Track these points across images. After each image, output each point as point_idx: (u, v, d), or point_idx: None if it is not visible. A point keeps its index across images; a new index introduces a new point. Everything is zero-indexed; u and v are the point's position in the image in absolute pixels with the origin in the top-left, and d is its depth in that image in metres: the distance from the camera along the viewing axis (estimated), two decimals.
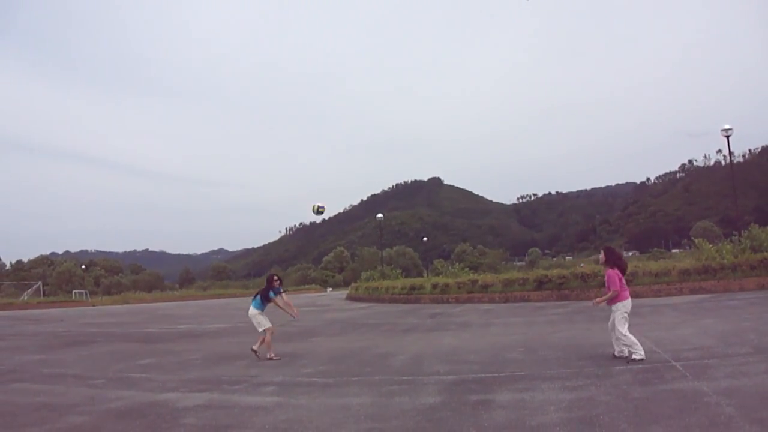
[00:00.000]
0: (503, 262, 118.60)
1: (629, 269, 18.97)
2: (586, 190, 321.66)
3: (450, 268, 41.86)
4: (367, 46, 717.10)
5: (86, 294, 67.81)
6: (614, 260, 7.48)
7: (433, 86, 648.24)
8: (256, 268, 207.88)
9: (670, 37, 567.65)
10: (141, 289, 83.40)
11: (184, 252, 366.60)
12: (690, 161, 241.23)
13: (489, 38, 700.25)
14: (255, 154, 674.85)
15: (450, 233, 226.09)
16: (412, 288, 27.48)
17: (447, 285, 25.17)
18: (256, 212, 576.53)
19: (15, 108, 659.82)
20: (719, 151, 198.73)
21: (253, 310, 9.78)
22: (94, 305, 50.22)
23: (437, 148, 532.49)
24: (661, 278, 19.07)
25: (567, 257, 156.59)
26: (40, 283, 68.69)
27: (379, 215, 53.26)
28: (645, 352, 7.15)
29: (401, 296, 27.59)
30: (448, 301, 23.71)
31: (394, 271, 46.32)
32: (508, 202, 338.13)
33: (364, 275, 44.97)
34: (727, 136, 24.72)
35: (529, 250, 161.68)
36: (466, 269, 38.73)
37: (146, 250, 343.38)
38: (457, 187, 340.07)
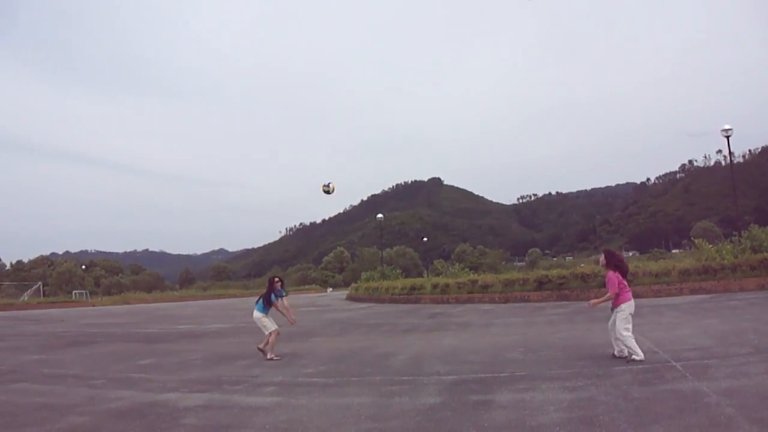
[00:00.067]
0: (503, 263, 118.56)
1: (630, 269, 19.01)
2: (586, 190, 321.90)
3: (450, 268, 41.88)
4: (368, 46, 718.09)
5: (86, 294, 67.79)
6: (615, 263, 7.48)
7: (434, 86, 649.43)
8: (256, 269, 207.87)
9: (670, 37, 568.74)
10: (141, 289, 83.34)
11: (184, 252, 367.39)
12: (690, 161, 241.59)
13: (489, 38, 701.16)
14: (255, 154, 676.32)
15: (450, 233, 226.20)
16: (412, 288, 27.46)
17: (447, 285, 25.16)
18: (257, 212, 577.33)
19: (15, 108, 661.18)
20: (719, 151, 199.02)
21: (257, 314, 9.82)
22: (94, 305, 50.21)
23: (437, 148, 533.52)
24: (661, 278, 19.07)
25: (567, 257, 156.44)
26: (40, 283, 68.59)
27: (380, 215, 53.29)
28: (645, 353, 7.17)
29: (401, 296, 27.58)
30: (448, 302, 23.70)
31: (394, 271, 46.29)
32: (508, 203, 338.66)
33: (364, 275, 44.95)
34: (727, 137, 24.72)
35: (529, 251, 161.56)
36: (466, 269, 38.69)
37: (146, 250, 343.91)
38: (457, 188, 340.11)
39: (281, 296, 10.03)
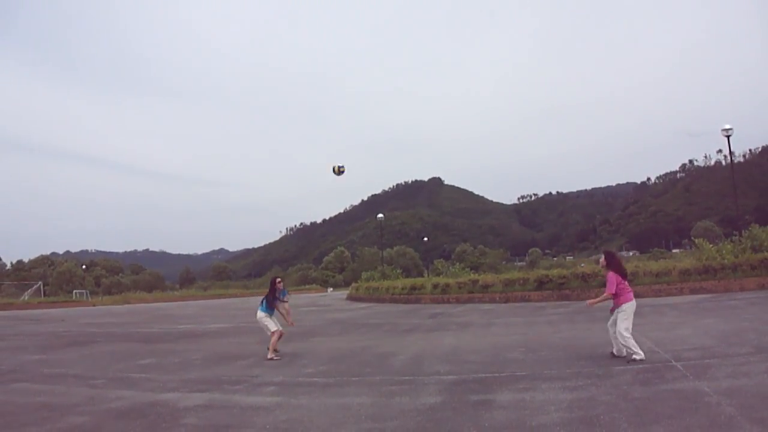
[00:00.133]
0: (504, 262, 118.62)
1: (630, 269, 19.05)
2: (586, 190, 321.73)
3: (450, 268, 41.87)
4: (368, 46, 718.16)
5: (87, 294, 67.81)
6: (614, 265, 7.51)
7: (434, 86, 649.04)
8: (256, 268, 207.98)
9: (670, 37, 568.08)
10: (141, 289, 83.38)
11: (185, 252, 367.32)
12: (690, 161, 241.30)
13: (489, 38, 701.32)
14: (255, 154, 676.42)
15: (450, 233, 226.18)
16: (413, 288, 27.46)
17: (447, 285, 25.16)
18: (257, 212, 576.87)
19: (15, 108, 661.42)
20: (720, 151, 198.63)
21: (260, 314, 9.89)
22: (94, 305, 50.21)
23: (438, 148, 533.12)
24: (661, 278, 19.07)
25: (567, 257, 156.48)
26: (40, 283, 68.65)
27: (380, 215, 53.26)
28: (646, 352, 7.18)
29: (402, 296, 27.58)
30: (448, 301, 23.70)
31: (394, 271, 46.31)
32: (509, 202, 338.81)
33: (364, 275, 44.95)
34: (728, 136, 24.69)
35: (530, 250, 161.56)
36: (467, 269, 38.73)
37: (147, 250, 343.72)
38: (458, 187, 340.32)
39: (285, 297, 10.10)
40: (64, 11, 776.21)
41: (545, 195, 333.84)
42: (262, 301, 10.02)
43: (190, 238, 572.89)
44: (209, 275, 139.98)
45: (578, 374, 6.61)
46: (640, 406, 4.99)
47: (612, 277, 7.33)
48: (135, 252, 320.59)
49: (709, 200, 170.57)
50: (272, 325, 9.77)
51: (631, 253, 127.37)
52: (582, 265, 38.14)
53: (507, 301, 21.37)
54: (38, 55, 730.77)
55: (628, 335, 7.14)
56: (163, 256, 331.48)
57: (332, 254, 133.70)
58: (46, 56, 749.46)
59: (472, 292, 23.37)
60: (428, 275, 51.03)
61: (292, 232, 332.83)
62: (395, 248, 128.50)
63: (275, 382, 7.47)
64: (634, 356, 6.99)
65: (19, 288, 65.84)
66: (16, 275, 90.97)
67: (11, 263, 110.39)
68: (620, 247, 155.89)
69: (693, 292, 17.77)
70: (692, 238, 27.17)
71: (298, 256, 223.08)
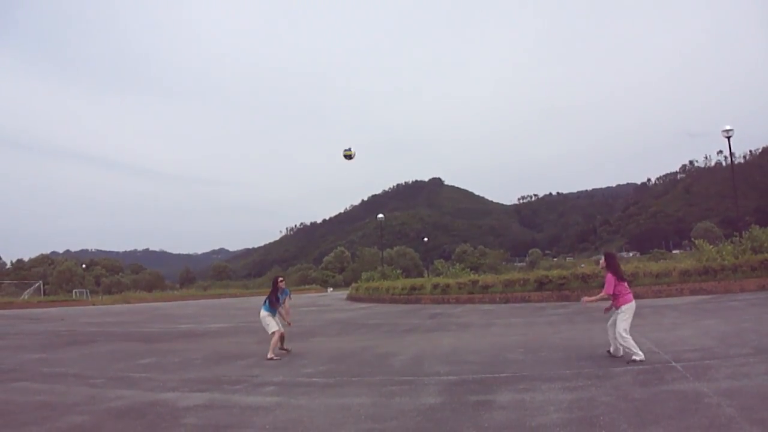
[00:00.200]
0: (504, 263, 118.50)
1: (630, 270, 19.08)
2: (586, 190, 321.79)
3: (450, 268, 41.81)
4: (368, 46, 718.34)
5: (87, 293, 67.81)
6: (612, 267, 7.54)
7: (434, 86, 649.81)
8: (256, 268, 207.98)
9: (670, 38, 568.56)
10: (141, 288, 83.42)
11: (185, 251, 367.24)
12: (691, 162, 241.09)
13: (490, 38, 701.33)
14: (255, 154, 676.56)
15: (451, 234, 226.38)
16: (413, 288, 27.45)
17: (447, 285, 25.15)
18: (257, 212, 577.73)
19: (16, 107, 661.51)
20: (720, 151, 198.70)
21: (263, 313, 9.95)
22: (94, 304, 50.20)
23: (438, 149, 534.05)
24: (661, 279, 19.06)
25: (568, 258, 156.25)
26: (40, 282, 68.65)
27: (380, 215, 53.24)
28: (645, 353, 7.18)
29: (402, 297, 27.57)
30: (448, 302, 23.69)
31: (394, 271, 46.28)
32: (509, 203, 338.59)
33: (364, 275, 44.92)
34: (728, 137, 24.70)
35: (530, 251, 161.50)
36: (467, 270, 38.66)
37: (147, 249, 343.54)
38: (458, 188, 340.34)
39: (286, 296, 10.14)
40: (64, 10, 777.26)
41: (545, 195, 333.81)
42: (265, 301, 10.06)
43: (190, 237, 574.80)
44: (209, 275, 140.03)
45: (578, 375, 6.61)
46: (640, 407, 4.99)
47: (610, 277, 7.37)
48: (135, 251, 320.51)
49: (710, 201, 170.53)
50: (273, 325, 9.79)
51: (631, 254, 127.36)
52: (582, 265, 38.13)
53: (507, 301, 21.37)
54: (39, 54, 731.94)
55: (627, 336, 7.16)
56: (163, 256, 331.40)
57: (332, 254, 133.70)
58: (47, 55, 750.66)
59: (472, 293, 23.37)
60: (428, 276, 51.02)
61: (292, 232, 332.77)
62: (395, 248, 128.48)
63: (275, 382, 7.47)
64: (633, 357, 7.00)
65: (19, 287, 65.90)
66: (16, 274, 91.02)
67: (11, 262, 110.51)
68: (620, 248, 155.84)
69: (693, 293, 17.77)
70: (692, 239, 27.14)
71: (298, 256, 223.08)
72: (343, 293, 53.13)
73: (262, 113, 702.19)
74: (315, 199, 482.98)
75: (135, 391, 7.16)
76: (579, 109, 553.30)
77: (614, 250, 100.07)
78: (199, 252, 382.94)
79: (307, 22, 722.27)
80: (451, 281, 26.14)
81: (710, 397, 5.15)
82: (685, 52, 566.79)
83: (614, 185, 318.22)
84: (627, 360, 7.06)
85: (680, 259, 32.99)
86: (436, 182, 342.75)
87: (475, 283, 24.19)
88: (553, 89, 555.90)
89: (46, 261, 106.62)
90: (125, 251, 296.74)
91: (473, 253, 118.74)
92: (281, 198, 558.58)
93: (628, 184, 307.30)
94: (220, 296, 66.45)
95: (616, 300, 7.42)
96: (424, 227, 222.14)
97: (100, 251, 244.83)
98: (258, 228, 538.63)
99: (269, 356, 9.49)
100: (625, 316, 7.25)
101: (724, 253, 20.37)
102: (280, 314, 10.10)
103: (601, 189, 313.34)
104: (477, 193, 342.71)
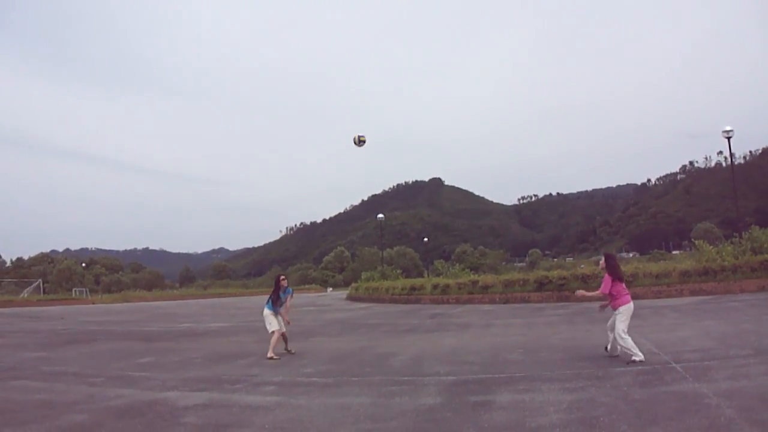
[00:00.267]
0: (504, 263, 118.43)
1: (630, 271, 19.07)
2: (586, 191, 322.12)
3: (450, 268, 41.87)
4: (369, 46, 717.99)
5: (86, 292, 67.85)
6: (610, 268, 7.57)
7: (434, 86, 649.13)
8: (256, 268, 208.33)
9: (671, 38, 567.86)
10: (141, 287, 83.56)
11: (185, 251, 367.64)
12: (691, 162, 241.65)
13: (490, 38, 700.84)
14: (256, 154, 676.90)
15: (451, 234, 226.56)
16: (413, 288, 27.46)
17: (447, 286, 25.16)
18: (257, 212, 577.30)
19: (16, 105, 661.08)
20: (720, 152, 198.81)
21: (266, 311, 9.98)
22: (94, 303, 50.27)
23: (438, 149, 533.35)
24: (661, 280, 19.06)
25: (567, 258, 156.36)
26: (40, 280, 68.72)
27: (380, 215, 53.25)
28: (645, 354, 7.18)
29: (401, 297, 27.58)
30: (448, 302, 23.70)
31: (394, 271, 46.32)
32: (509, 203, 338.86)
33: (364, 275, 44.95)
34: (728, 138, 24.70)
35: (530, 251, 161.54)
36: (467, 270, 38.71)
37: (146, 248, 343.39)
38: (458, 188, 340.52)
39: (288, 294, 10.14)
40: (65, 8, 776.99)
41: (545, 196, 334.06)
42: (268, 300, 10.08)
43: (190, 236, 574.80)
44: (209, 274, 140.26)
45: (578, 375, 6.60)
46: (640, 408, 4.99)
47: (607, 278, 7.44)
48: (135, 250, 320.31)
49: (710, 202, 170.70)
50: (274, 324, 9.79)
51: (631, 255, 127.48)
52: (582, 266, 38.19)
53: (507, 302, 21.37)
54: (41, 53, 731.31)
55: (626, 336, 7.18)
56: (163, 255, 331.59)
57: (332, 254, 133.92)
58: (48, 54, 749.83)
59: (472, 293, 23.38)
60: (428, 276, 51.05)
61: (292, 232, 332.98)
62: (395, 248, 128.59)
63: (275, 381, 7.47)
64: (633, 357, 7.00)
65: (18, 285, 65.97)
66: (15, 272, 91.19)
67: (11, 260, 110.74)
68: (620, 249, 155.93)
69: (693, 293, 17.77)
70: (692, 239, 27.14)
71: (298, 256, 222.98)
72: (343, 293, 53.17)
73: (262, 113, 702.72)
74: (315, 198, 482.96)
75: (134, 390, 7.16)
76: (579, 110, 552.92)
77: (614, 250, 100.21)
78: (199, 251, 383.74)
79: (307, 22, 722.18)
80: (451, 281, 26.15)
81: (710, 398, 5.14)
82: (685, 52, 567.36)
83: (614, 186, 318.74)
84: (626, 361, 7.06)
85: (680, 260, 33.03)
86: (437, 182, 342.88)
87: (474, 283, 24.19)
88: (553, 89, 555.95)
89: (46, 259, 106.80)
90: (125, 250, 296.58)
91: (473, 253, 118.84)
92: (281, 197, 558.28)
93: (628, 184, 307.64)
94: (219, 296, 66.53)
95: (613, 301, 7.45)
96: (424, 227, 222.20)
97: (100, 250, 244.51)
98: (258, 227, 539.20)
99: (269, 355, 9.49)
100: (622, 317, 7.27)
101: (724, 253, 20.37)
102: (280, 313, 10.10)
103: (601, 189, 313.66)
104: (477, 193, 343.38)
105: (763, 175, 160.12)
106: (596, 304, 8.10)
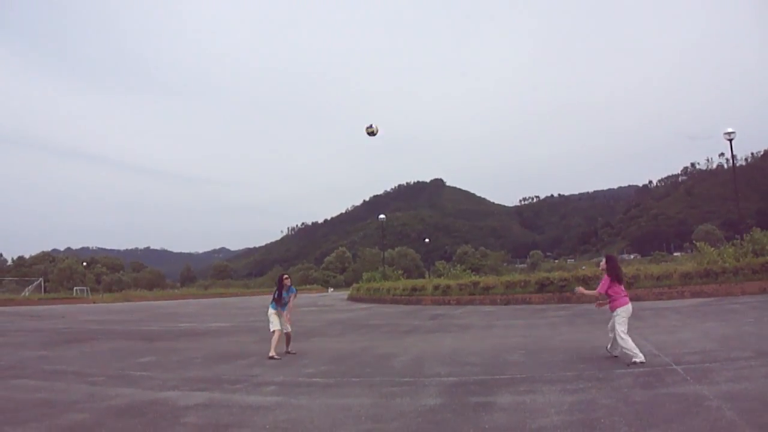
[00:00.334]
0: (505, 264, 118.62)
1: (631, 273, 19.05)
2: (588, 192, 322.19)
3: (451, 269, 41.86)
4: (369, 46, 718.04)
5: (87, 291, 67.95)
6: (610, 269, 7.63)
7: (435, 87, 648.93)
8: (257, 268, 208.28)
9: (672, 39, 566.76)
10: (142, 287, 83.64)
11: (186, 250, 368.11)
12: (692, 164, 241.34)
13: (490, 38, 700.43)
14: (257, 154, 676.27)
15: (452, 235, 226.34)
16: (414, 289, 27.46)
17: (448, 287, 25.15)
18: (258, 212, 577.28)
19: (18, 105, 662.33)
20: (722, 154, 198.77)
21: (269, 310, 10.01)
22: (95, 302, 50.34)
23: (440, 149, 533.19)
24: (662, 281, 19.05)
25: (569, 260, 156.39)
26: (41, 279, 68.90)
27: (381, 216, 53.18)
28: (646, 356, 7.18)
29: (402, 297, 27.57)
30: (449, 303, 23.68)
31: (395, 272, 46.32)
32: (510, 204, 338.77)
33: (365, 276, 44.97)
34: (730, 140, 24.67)
35: (531, 253, 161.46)
36: (468, 271, 38.73)
37: (148, 248, 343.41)
38: (460, 189, 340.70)
39: (292, 294, 10.13)
40: (66, 7, 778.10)
41: (547, 197, 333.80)
42: (272, 299, 10.09)
43: (191, 236, 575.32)
44: (210, 274, 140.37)
45: (579, 377, 6.60)
46: (641, 410, 4.99)
47: (605, 279, 7.54)
48: (136, 250, 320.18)
49: (711, 203, 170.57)
50: (276, 323, 9.80)
51: (632, 256, 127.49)
52: (583, 267, 38.16)
53: (508, 303, 21.35)
54: (42, 53, 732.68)
55: (626, 337, 7.21)
56: (164, 255, 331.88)
57: (333, 254, 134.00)
58: (50, 54, 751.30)
59: (473, 294, 23.37)
60: (429, 277, 51.07)
61: (293, 232, 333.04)
62: (396, 249, 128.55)
63: (275, 381, 7.47)
64: (634, 359, 7.00)
65: (19, 284, 66.11)
66: (17, 271, 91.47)
67: (12, 259, 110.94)
68: (621, 250, 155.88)
69: (694, 295, 17.75)
70: (693, 241, 27.12)
71: (299, 256, 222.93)
72: (344, 293, 53.18)
73: (263, 113, 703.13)
74: (316, 199, 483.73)
75: (135, 390, 7.16)
76: (580, 110, 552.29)
77: (615, 252, 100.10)
78: (200, 251, 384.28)
79: (308, 23, 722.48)
80: (452, 282, 26.15)
81: (711, 400, 5.13)
82: (687, 53, 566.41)
83: (615, 187, 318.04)
84: (627, 362, 7.06)
85: (681, 262, 32.98)
86: (438, 183, 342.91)
87: (476, 284, 24.18)
88: (554, 90, 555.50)
89: (47, 258, 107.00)
90: (126, 249, 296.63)
91: (474, 254, 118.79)
92: (282, 198, 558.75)
93: (629, 186, 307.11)
94: (220, 295, 66.59)
95: (611, 303, 7.54)
96: (426, 228, 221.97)
97: (101, 249, 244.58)
98: (259, 227, 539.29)
99: (270, 354, 9.49)
100: (620, 319, 7.33)
101: (725, 255, 20.36)
102: (283, 313, 10.08)
103: (602, 191, 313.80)
104: (478, 194, 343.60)
105: (765, 177, 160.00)
106: (596, 304, 8.14)
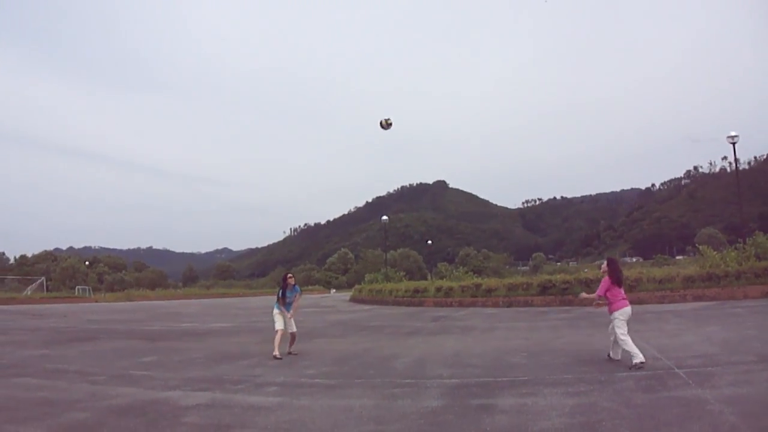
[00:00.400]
0: (507, 267, 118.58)
1: (634, 276, 19.01)
2: (590, 195, 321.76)
3: (454, 271, 41.84)
4: (372, 48, 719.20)
5: (89, 290, 67.94)
6: (610, 272, 7.67)
7: (438, 88, 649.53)
8: (260, 268, 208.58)
9: (676, 40, 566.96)
10: (144, 286, 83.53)
11: (188, 250, 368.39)
12: (695, 167, 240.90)
13: (494, 41, 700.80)
14: (260, 155, 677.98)
15: (454, 237, 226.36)
16: (416, 291, 27.44)
17: (451, 288, 25.13)
18: (261, 212, 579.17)
19: (19, 104, 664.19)
20: (725, 157, 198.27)
21: (275, 310, 10.01)
22: (97, 302, 50.36)
23: (442, 151, 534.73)
24: (664, 285, 18.98)
25: (571, 262, 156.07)
26: (43, 278, 68.81)
27: (384, 217, 53.11)
28: (648, 359, 7.17)
29: (405, 299, 27.56)
30: (451, 305, 23.66)
31: (397, 273, 46.31)
32: (513, 207, 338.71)
33: (367, 277, 44.95)
34: (734, 143, 24.63)
35: (533, 255, 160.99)
36: (470, 273, 38.74)
37: (150, 247, 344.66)
38: (462, 191, 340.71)
39: (296, 293, 10.11)
40: (66, 7, 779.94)
41: (549, 200, 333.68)
42: (276, 299, 10.09)
43: (193, 236, 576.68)
44: (212, 274, 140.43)
45: (580, 380, 6.59)
46: (642, 413, 4.98)
47: (604, 282, 7.59)
48: (138, 249, 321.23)
49: (714, 207, 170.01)
50: (278, 323, 9.80)
51: (634, 259, 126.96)
52: (585, 270, 38.11)
53: (510, 305, 21.32)
54: (43, 53, 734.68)
55: (626, 338, 7.24)
56: (166, 254, 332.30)
57: (336, 255, 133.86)
58: (51, 53, 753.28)
59: (475, 296, 23.34)
60: (431, 278, 51.02)
61: (296, 233, 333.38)
62: (399, 251, 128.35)
63: (277, 382, 7.47)
64: (634, 360, 7.00)
65: (21, 283, 66.01)
66: (19, 270, 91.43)
67: (14, 258, 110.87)
68: (624, 253, 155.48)
69: (696, 299, 17.68)
70: (696, 245, 27.18)
71: (301, 257, 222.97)
72: (346, 295, 53.14)
73: (266, 114, 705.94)
74: (319, 200, 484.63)
75: (136, 389, 7.17)
76: (583, 113, 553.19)
77: (618, 255, 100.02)
78: (203, 251, 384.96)
79: (311, 24, 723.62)
80: (454, 284, 26.13)
81: (712, 404, 5.13)
82: (690, 55, 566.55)
83: (618, 190, 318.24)
84: (629, 366, 7.05)
85: (684, 265, 32.87)
86: (441, 185, 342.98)
87: (478, 286, 24.15)
88: (558, 92, 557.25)
89: (50, 257, 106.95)
90: (129, 249, 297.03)
91: (477, 256, 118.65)
92: (285, 198, 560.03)
93: (632, 189, 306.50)
94: (223, 296, 66.55)
95: (609, 305, 7.58)
96: (428, 230, 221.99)
97: (104, 248, 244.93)
98: (262, 228, 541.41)
99: (274, 354, 9.50)
100: (618, 321, 7.36)
101: (727, 259, 20.30)
102: (287, 312, 10.05)
103: (605, 194, 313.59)
104: (481, 196, 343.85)
105: None
106: (594, 305, 8.17)
